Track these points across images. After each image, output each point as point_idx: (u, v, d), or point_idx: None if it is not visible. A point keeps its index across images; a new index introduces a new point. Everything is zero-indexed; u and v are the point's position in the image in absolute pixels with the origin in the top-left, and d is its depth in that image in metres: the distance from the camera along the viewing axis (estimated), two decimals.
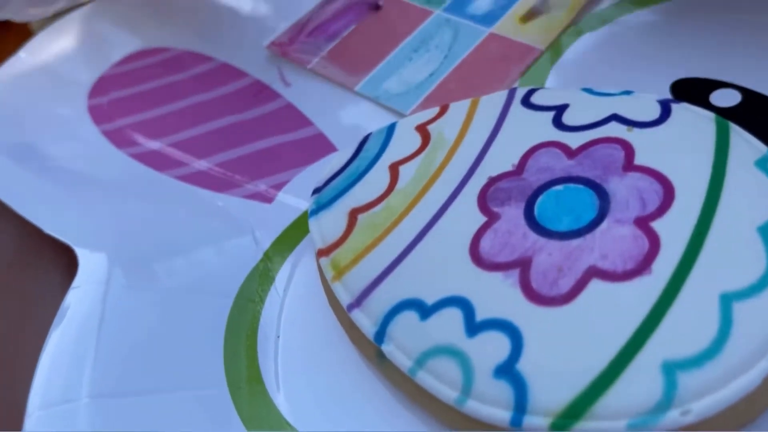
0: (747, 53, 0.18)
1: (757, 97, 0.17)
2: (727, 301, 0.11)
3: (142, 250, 0.17)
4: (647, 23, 0.20)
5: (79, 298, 0.16)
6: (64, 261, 0.18)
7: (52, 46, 0.27)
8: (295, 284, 0.17)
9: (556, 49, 0.20)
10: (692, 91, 0.18)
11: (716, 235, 0.12)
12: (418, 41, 0.21)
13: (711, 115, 0.14)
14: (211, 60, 0.25)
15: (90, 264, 0.17)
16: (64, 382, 0.14)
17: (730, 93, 0.17)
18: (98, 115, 0.24)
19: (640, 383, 0.11)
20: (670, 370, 0.11)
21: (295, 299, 0.16)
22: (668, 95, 0.18)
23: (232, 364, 0.15)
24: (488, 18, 0.21)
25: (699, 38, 0.19)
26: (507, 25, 0.21)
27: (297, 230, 0.18)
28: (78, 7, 0.28)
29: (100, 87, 0.25)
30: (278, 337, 0.16)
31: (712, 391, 0.11)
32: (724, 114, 0.17)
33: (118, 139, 0.23)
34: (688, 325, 0.11)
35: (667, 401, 0.11)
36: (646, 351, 0.11)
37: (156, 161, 0.21)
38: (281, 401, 0.14)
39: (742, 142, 0.14)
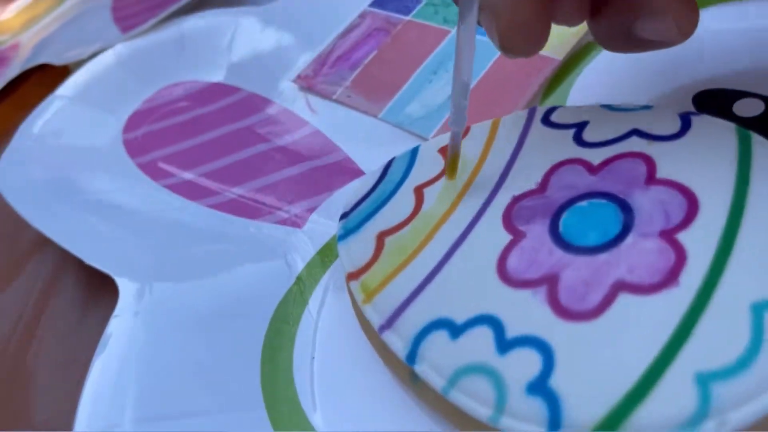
0: None
1: None
2: (758, 310, 0.11)
3: (179, 279, 0.18)
4: None
5: (120, 327, 0.16)
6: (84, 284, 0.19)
7: (87, 85, 0.28)
8: (328, 306, 0.17)
9: (577, 64, 0.20)
10: (715, 102, 0.18)
11: (743, 245, 0.12)
12: (436, 63, 0.22)
13: (732, 125, 0.14)
14: (238, 91, 0.26)
15: (129, 293, 0.17)
16: (108, 409, 0.14)
17: (754, 102, 0.17)
18: (133, 148, 0.25)
19: (674, 396, 0.11)
20: (704, 381, 0.11)
21: (328, 321, 0.17)
22: (691, 107, 0.18)
23: (269, 386, 0.15)
24: None
25: (721, 48, 0.19)
26: None
27: (328, 253, 0.18)
28: (109, 48, 0.29)
29: (133, 121, 0.26)
30: (313, 358, 0.16)
31: (747, 401, 0.11)
32: (748, 124, 0.17)
33: (153, 171, 0.24)
34: (719, 336, 0.11)
35: (702, 413, 0.11)
36: (678, 363, 0.11)
37: (189, 191, 0.22)
38: (318, 421, 0.15)
39: (765, 151, 0.14)
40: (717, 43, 0.19)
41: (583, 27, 0.21)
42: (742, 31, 0.19)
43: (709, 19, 0.20)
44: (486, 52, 0.21)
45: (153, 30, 0.29)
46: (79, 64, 0.29)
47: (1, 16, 0.40)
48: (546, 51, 0.21)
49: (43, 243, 0.20)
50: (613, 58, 0.20)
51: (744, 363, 0.11)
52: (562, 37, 0.21)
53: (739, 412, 0.11)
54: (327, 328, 0.16)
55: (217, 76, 0.27)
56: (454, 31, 0.23)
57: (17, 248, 0.23)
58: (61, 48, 0.33)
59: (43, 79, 0.32)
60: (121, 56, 0.29)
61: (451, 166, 0.16)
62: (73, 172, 0.24)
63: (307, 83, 0.24)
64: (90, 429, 0.14)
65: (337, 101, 0.23)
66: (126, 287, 0.18)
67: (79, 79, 0.28)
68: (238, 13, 0.28)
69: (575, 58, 0.20)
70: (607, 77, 0.20)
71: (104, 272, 0.18)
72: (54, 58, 0.32)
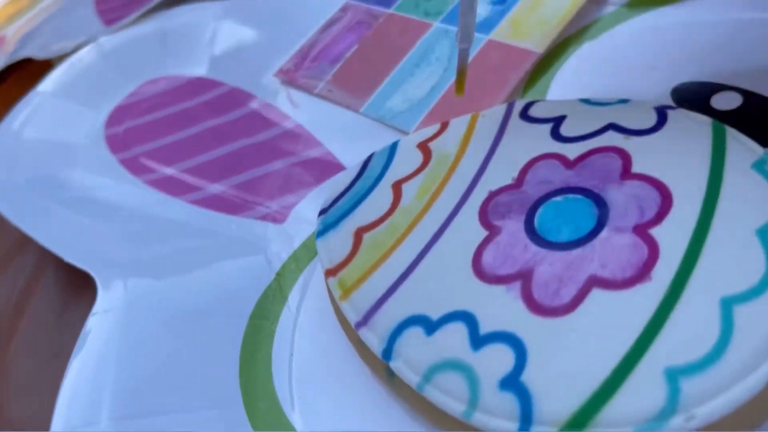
0: (747, 54, 0.18)
1: (757, 99, 0.17)
2: (727, 305, 0.11)
3: (159, 275, 0.18)
4: (647, 29, 0.20)
5: (99, 324, 0.16)
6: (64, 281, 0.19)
7: (68, 80, 0.28)
8: (308, 303, 0.17)
9: (557, 59, 0.20)
10: (693, 95, 0.18)
11: (715, 240, 0.12)
12: (418, 56, 0.22)
13: (707, 119, 0.14)
14: (220, 85, 0.25)
15: (108, 290, 0.17)
16: (86, 406, 0.14)
17: (731, 96, 0.17)
18: (115, 144, 0.25)
19: (643, 390, 0.11)
20: (673, 376, 0.11)
21: (307, 317, 0.17)
22: (669, 101, 0.18)
23: (247, 383, 0.15)
24: (486, 25, 0.21)
25: (699, 42, 0.19)
26: (504, 31, 0.21)
27: (308, 249, 0.18)
28: (92, 41, 0.29)
29: (115, 117, 0.26)
30: (291, 355, 0.16)
31: (715, 396, 0.11)
32: (726, 117, 0.17)
33: (135, 167, 0.23)
34: (689, 331, 0.11)
35: (671, 407, 0.11)
36: (648, 358, 0.11)
37: (171, 187, 0.22)
38: (296, 418, 0.15)
39: (739, 145, 0.14)
40: (696, 36, 0.19)
41: (564, 19, 0.21)
42: (721, 24, 0.19)
43: (688, 12, 0.20)
44: None
45: (135, 24, 0.29)
46: (62, 58, 0.29)
47: None
48: (527, 45, 0.20)
49: (24, 241, 0.20)
50: (593, 51, 0.21)
51: (712, 358, 0.11)
52: (543, 31, 0.21)
53: (707, 406, 0.11)
54: (306, 325, 0.16)
55: (199, 71, 0.26)
56: (435, 24, 0.23)
57: None
58: (45, 42, 0.32)
59: (24, 74, 0.32)
60: (103, 51, 0.29)
61: (459, 83, 0.17)
62: (54, 168, 0.24)
63: (289, 77, 0.23)
64: (67, 427, 0.14)
65: (318, 95, 0.22)
66: (105, 284, 0.18)
67: (60, 74, 0.28)
68: (220, 6, 0.28)
69: (556, 52, 0.20)
70: (587, 71, 0.20)
71: (83, 269, 0.18)
72: (38, 51, 0.31)
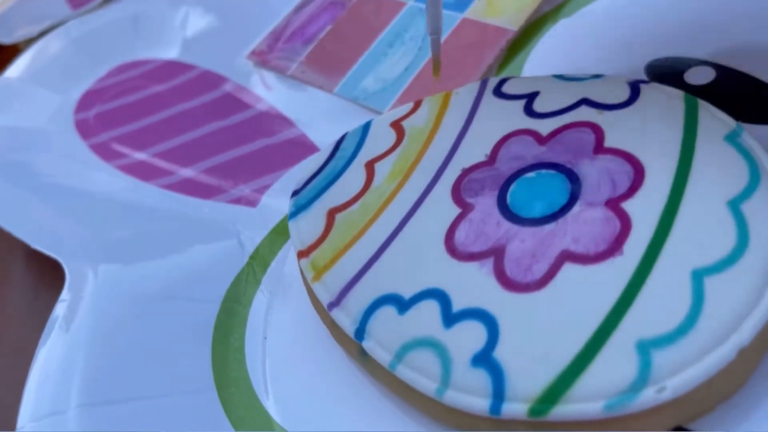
0: (722, 31, 0.18)
1: (730, 73, 0.17)
2: (698, 277, 0.11)
3: (129, 261, 0.18)
4: (622, 6, 0.20)
5: (67, 311, 0.16)
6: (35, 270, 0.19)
7: (38, 65, 0.27)
8: (281, 286, 0.17)
9: (532, 36, 0.20)
10: (667, 71, 0.18)
11: (686, 212, 0.12)
12: (392, 35, 0.21)
13: (680, 93, 0.14)
14: (192, 68, 0.25)
15: (77, 277, 0.17)
16: (54, 394, 0.14)
17: (705, 70, 0.17)
18: (85, 129, 0.24)
19: (615, 364, 0.11)
20: (645, 348, 0.11)
21: (281, 300, 0.16)
22: (644, 76, 0.18)
23: (220, 367, 0.15)
24: (461, 3, 0.21)
25: (673, 18, 0.19)
26: (479, 9, 0.21)
27: (281, 232, 0.18)
28: (61, 25, 0.28)
29: (85, 102, 0.26)
30: (265, 338, 0.16)
31: (686, 367, 0.11)
32: (700, 91, 0.17)
33: (105, 152, 0.23)
34: (660, 304, 0.11)
35: (642, 380, 0.11)
36: (620, 331, 0.11)
37: (142, 172, 0.22)
38: (269, 402, 0.14)
39: (711, 118, 0.14)
40: (671, 13, 0.19)
41: None
42: (690, 2, 0.19)
43: None
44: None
45: (105, 7, 0.28)
46: (30, 43, 0.28)
47: None
48: (502, 22, 0.20)
49: None
50: (569, 28, 0.20)
51: (683, 330, 0.11)
52: (518, 8, 0.20)
53: (678, 377, 0.11)
54: (280, 308, 0.16)
55: (171, 54, 0.26)
56: (410, 3, 0.22)
57: None
58: (11, 27, 0.31)
59: None
60: (72, 35, 0.28)
61: (435, 69, 0.17)
62: (23, 155, 0.23)
63: (261, 59, 0.23)
64: (35, 416, 0.14)
65: (291, 76, 0.22)
66: (73, 271, 0.17)
67: (28, 59, 0.27)
68: None
69: (531, 29, 0.20)
70: (563, 48, 0.20)
71: (51, 256, 0.18)
72: (2, 37, 0.31)
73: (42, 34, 0.28)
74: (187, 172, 0.21)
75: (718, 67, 0.17)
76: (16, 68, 0.27)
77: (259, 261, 0.17)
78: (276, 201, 0.19)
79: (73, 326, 0.16)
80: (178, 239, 0.18)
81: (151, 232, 0.19)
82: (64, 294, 0.17)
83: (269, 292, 0.17)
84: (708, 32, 0.18)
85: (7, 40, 0.30)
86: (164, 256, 0.18)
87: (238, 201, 0.19)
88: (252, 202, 0.19)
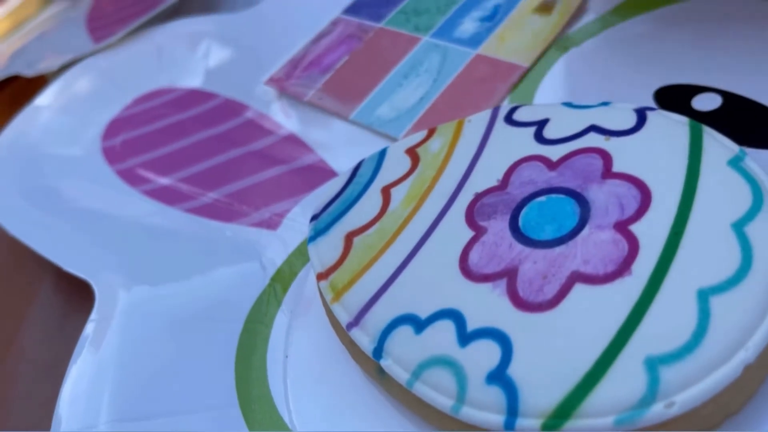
0: (727, 57, 0.19)
1: (736, 99, 0.18)
2: (704, 296, 0.12)
3: (155, 282, 0.18)
4: (630, 35, 0.21)
5: (97, 330, 0.17)
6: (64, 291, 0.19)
7: (66, 94, 0.29)
8: (301, 306, 0.17)
9: (543, 65, 0.21)
10: (675, 97, 0.18)
11: (692, 234, 0.13)
12: (407, 67, 0.22)
13: (684, 119, 0.15)
14: (215, 97, 0.26)
15: (106, 298, 0.18)
16: (85, 409, 0.15)
17: (711, 97, 0.18)
18: (111, 156, 0.25)
19: (624, 380, 0.11)
20: (653, 365, 0.11)
21: (301, 321, 0.17)
22: (652, 103, 0.18)
23: (243, 385, 0.16)
24: (474, 40, 0.22)
25: (681, 46, 0.20)
26: (492, 46, 0.22)
27: (301, 254, 0.19)
28: (86, 57, 0.30)
29: (112, 129, 0.27)
30: (286, 357, 0.16)
31: (694, 383, 0.11)
32: (706, 117, 0.17)
33: (131, 178, 0.24)
34: (668, 321, 0.12)
35: (651, 395, 0.11)
36: (629, 349, 0.12)
37: (166, 196, 0.22)
38: (290, 418, 0.15)
39: (715, 143, 0.14)
40: (678, 40, 0.20)
41: (551, 33, 0.21)
42: (702, 29, 0.19)
43: (670, 18, 0.20)
44: (455, 58, 0.22)
45: (129, 39, 0.30)
46: (57, 74, 0.30)
47: None
48: (514, 59, 0.21)
49: (22, 251, 0.21)
50: (578, 57, 0.21)
51: (690, 347, 0.11)
52: (529, 46, 0.21)
53: (686, 393, 0.11)
54: (300, 328, 0.17)
55: (194, 83, 0.27)
56: (425, 38, 0.23)
57: None
58: (33, 59, 0.33)
59: (18, 89, 0.32)
60: (99, 66, 0.29)
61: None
62: (53, 181, 0.24)
63: (279, 85, 0.24)
64: (66, 430, 0.15)
65: (308, 103, 0.23)
66: (102, 291, 0.18)
67: (56, 88, 0.29)
68: (214, 20, 0.29)
69: (540, 63, 0.21)
70: (571, 76, 0.20)
71: (81, 278, 0.19)
72: (25, 68, 0.32)
73: (64, 67, 0.30)
74: (210, 197, 0.22)
75: (725, 94, 0.18)
76: (45, 97, 0.28)
77: (280, 282, 0.18)
78: (296, 224, 0.20)
79: (102, 345, 0.16)
80: (201, 261, 0.19)
81: (176, 255, 0.20)
82: (94, 314, 0.17)
83: (290, 312, 0.17)
84: (716, 59, 0.19)
85: (28, 72, 0.31)
86: (189, 278, 0.19)
87: (259, 224, 0.20)
88: (273, 226, 0.20)
